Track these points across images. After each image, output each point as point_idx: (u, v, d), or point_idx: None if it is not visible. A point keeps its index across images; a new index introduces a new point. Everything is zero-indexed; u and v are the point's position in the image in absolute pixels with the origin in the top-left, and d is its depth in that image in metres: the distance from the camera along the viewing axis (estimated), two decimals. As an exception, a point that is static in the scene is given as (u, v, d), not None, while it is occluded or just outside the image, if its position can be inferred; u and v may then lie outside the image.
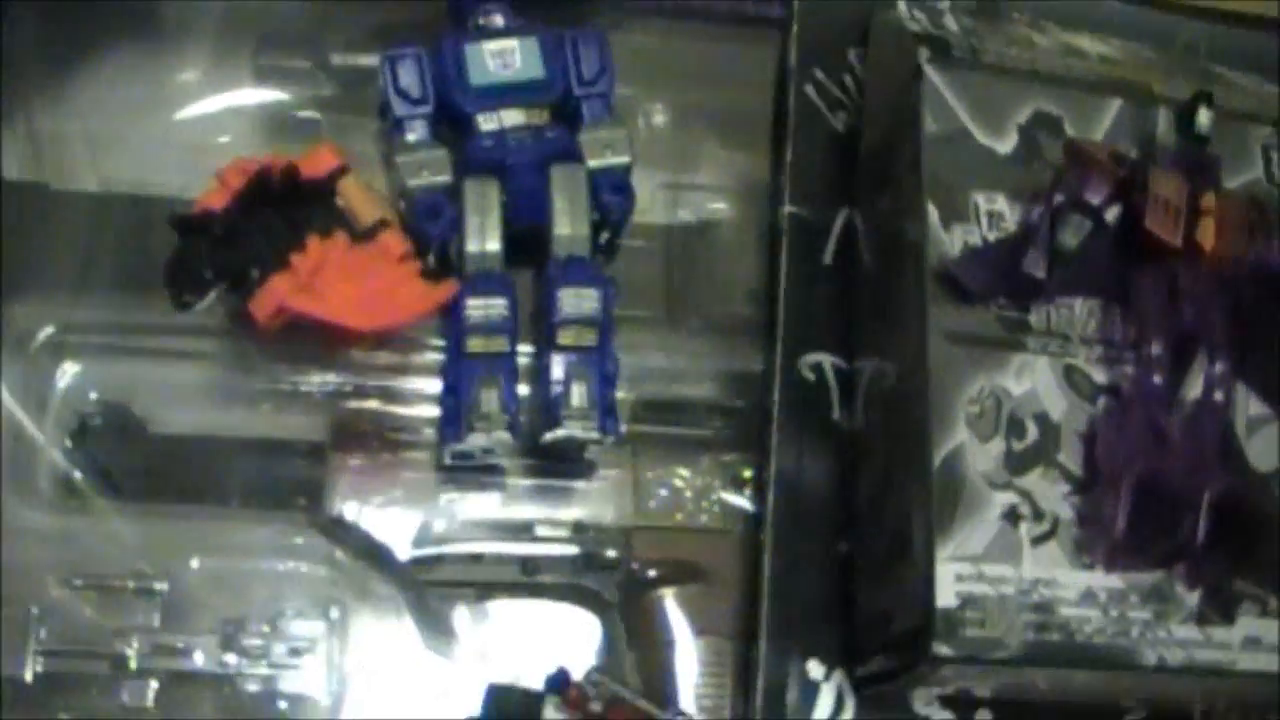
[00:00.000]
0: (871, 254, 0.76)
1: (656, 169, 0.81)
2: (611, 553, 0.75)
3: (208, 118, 0.81)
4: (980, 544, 0.66)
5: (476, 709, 0.69)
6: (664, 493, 0.76)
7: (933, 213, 0.69)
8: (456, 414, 0.71)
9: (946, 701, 0.72)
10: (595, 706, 0.67)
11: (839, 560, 0.74)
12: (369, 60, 0.79)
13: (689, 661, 0.75)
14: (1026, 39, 0.77)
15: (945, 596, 0.64)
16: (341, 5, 0.83)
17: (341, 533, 0.74)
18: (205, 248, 0.68)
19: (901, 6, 0.76)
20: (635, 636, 0.75)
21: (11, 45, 0.80)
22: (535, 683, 0.69)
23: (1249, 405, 0.70)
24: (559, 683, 0.68)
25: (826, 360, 0.76)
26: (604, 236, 0.76)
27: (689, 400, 0.79)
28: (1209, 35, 0.82)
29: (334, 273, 0.69)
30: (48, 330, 0.76)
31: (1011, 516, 0.66)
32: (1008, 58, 0.75)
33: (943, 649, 0.64)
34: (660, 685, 0.74)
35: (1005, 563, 0.66)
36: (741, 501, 0.77)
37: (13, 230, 0.78)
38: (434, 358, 0.77)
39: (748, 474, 0.77)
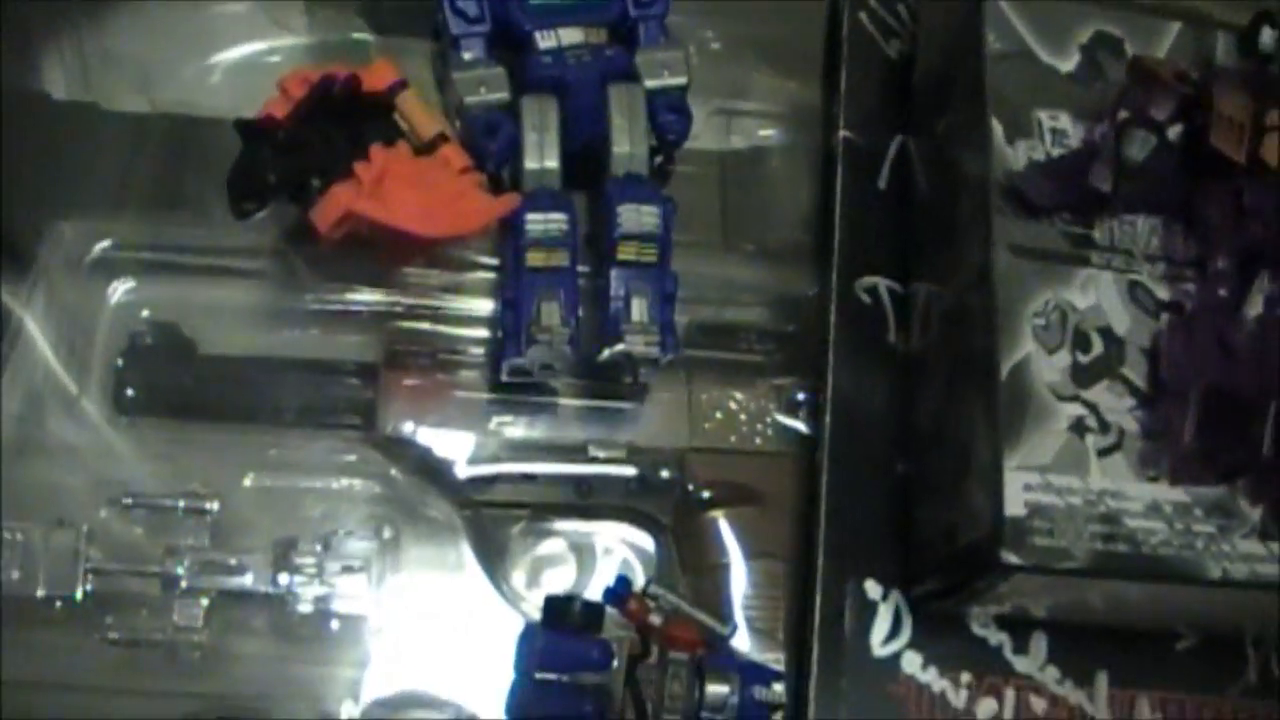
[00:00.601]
0: (928, 177, 0.76)
1: (709, 95, 0.80)
2: (666, 475, 0.75)
3: (257, 39, 0.81)
4: (1048, 454, 0.65)
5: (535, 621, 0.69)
6: (719, 416, 0.76)
7: (997, 128, 0.69)
8: (517, 328, 0.71)
9: (1003, 623, 0.72)
10: (655, 619, 0.67)
11: (896, 481, 0.74)
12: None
13: (742, 583, 0.74)
14: (1083, -37, 0.77)
15: (1014, 505, 0.64)
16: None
17: (398, 450, 0.73)
18: (269, 154, 0.67)
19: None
20: (689, 558, 0.75)
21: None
22: (592, 597, 0.69)
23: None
24: (619, 594, 0.67)
25: (882, 283, 0.76)
26: (657, 160, 0.76)
27: (743, 324, 0.79)
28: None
29: (398, 181, 0.68)
30: (102, 245, 0.76)
31: (1078, 428, 0.66)
32: (1066, -20, 0.75)
33: (1011, 557, 0.64)
34: (714, 607, 0.73)
35: (1072, 474, 0.65)
36: (796, 424, 0.76)
37: (62, 149, 0.78)
38: (485, 277, 0.76)
39: (802, 397, 0.76)
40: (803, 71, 0.83)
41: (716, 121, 0.82)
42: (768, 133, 0.83)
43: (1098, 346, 0.68)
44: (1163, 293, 0.69)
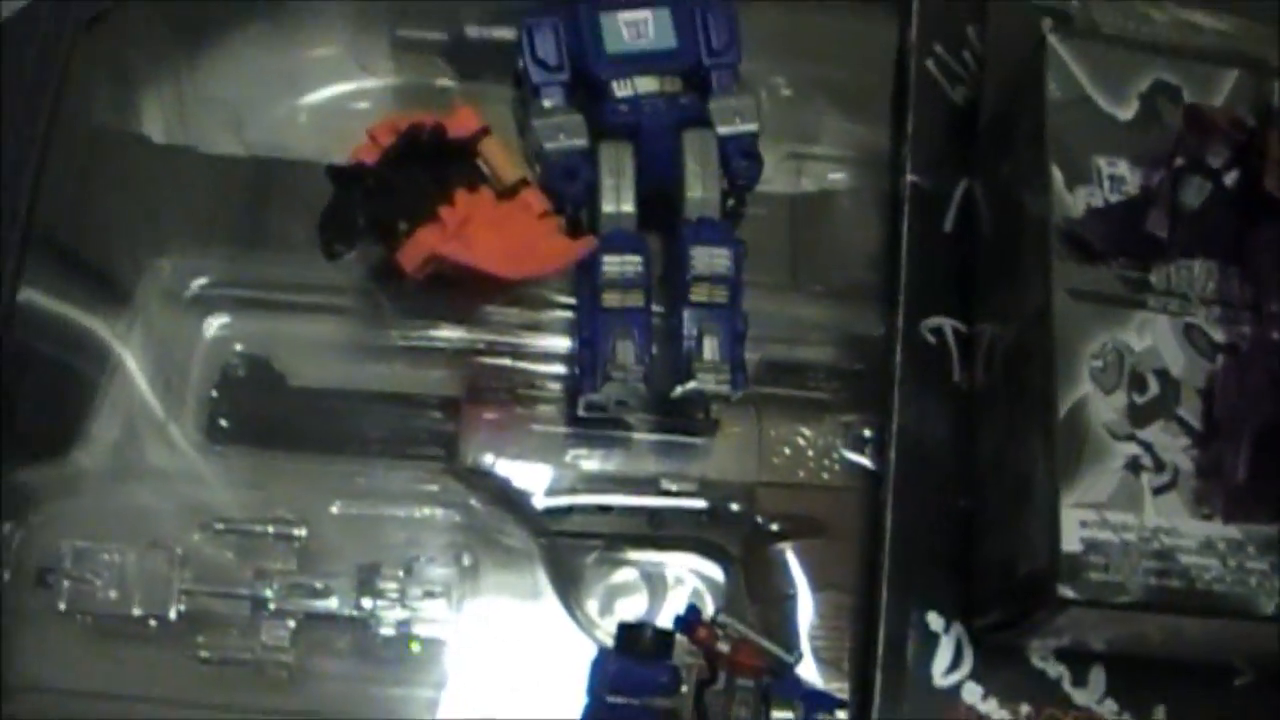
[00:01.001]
0: (992, 220, 0.78)
1: (780, 140, 0.83)
2: (735, 507, 0.77)
3: (345, 82, 0.84)
4: (1104, 492, 0.67)
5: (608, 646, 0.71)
6: (787, 451, 0.78)
7: (1057, 174, 0.71)
8: (593, 366, 0.73)
9: (1062, 656, 0.73)
10: (723, 646, 0.69)
11: (959, 517, 0.75)
12: (502, 33, 0.82)
13: (809, 614, 0.77)
14: (1143, 14, 0.79)
15: (1070, 541, 0.66)
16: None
17: (478, 481, 0.76)
18: (359, 198, 0.70)
19: (1022, -19, 0.78)
20: (757, 589, 0.77)
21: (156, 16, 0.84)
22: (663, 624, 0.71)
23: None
24: (689, 621, 0.69)
25: (947, 324, 0.78)
26: (729, 204, 0.78)
27: (811, 362, 0.81)
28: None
29: (480, 224, 0.71)
30: (199, 281, 0.79)
31: (1134, 467, 0.67)
32: (1126, 31, 0.77)
33: (1067, 592, 0.65)
34: (781, 636, 0.75)
35: (1128, 511, 0.67)
36: (863, 460, 0.78)
37: (162, 190, 0.81)
38: (563, 315, 0.79)
39: (868, 433, 0.78)
40: (871, 117, 0.84)
41: (787, 166, 0.85)
42: (837, 176, 0.86)
43: (1153, 387, 0.69)
44: (1218, 335, 0.70)
